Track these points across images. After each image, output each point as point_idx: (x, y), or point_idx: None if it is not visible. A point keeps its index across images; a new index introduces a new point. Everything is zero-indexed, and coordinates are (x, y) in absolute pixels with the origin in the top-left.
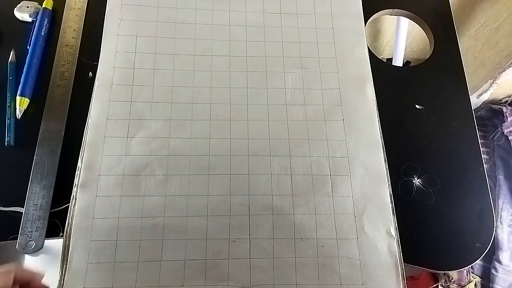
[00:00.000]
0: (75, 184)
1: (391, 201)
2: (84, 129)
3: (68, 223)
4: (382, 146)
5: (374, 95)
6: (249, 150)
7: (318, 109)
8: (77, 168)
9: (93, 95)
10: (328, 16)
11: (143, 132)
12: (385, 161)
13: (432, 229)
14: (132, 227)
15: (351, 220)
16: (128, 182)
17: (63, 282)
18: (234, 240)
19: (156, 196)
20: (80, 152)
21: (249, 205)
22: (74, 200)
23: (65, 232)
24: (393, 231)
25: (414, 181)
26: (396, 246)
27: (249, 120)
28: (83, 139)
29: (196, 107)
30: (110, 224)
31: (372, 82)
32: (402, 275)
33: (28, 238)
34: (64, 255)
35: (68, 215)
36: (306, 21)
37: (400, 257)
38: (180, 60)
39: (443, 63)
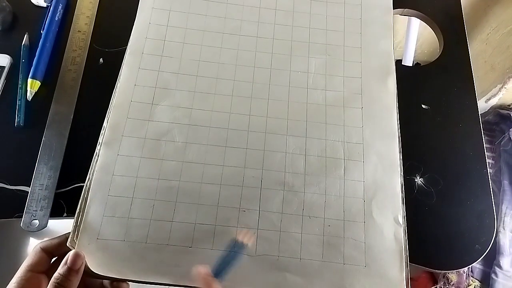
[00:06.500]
0: (99, 142)
1: (402, 191)
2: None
3: (89, 178)
4: (399, 137)
5: (396, 87)
6: (266, 127)
7: (338, 95)
8: (103, 127)
9: (124, 61)
10: (358, 6)
11: (168, 100)
12: (400, 152)
13: (432, 229)
14: (148, 187)
15: (360, 204)
16: (149, 145)
17: (78, 233)
18: (244, 210)
19: (174, 161)
20: (107, 113)
21: (262, 178)
22: (96, 156)
23: (84, 186)
24: (401, 219)
25: (416, 180)
26: (402, 234)
27: (270, 100)
28: (111, 101)
29: (220, 82)
30: (128, 182)
31: (395, 75)
32: (406, 262)
33: (32, 216)
34: (81, 207)
35: (89, 170)
36: (335, 9)
37: (405, 245)
38: (209, 37)
39: (451, 65)
